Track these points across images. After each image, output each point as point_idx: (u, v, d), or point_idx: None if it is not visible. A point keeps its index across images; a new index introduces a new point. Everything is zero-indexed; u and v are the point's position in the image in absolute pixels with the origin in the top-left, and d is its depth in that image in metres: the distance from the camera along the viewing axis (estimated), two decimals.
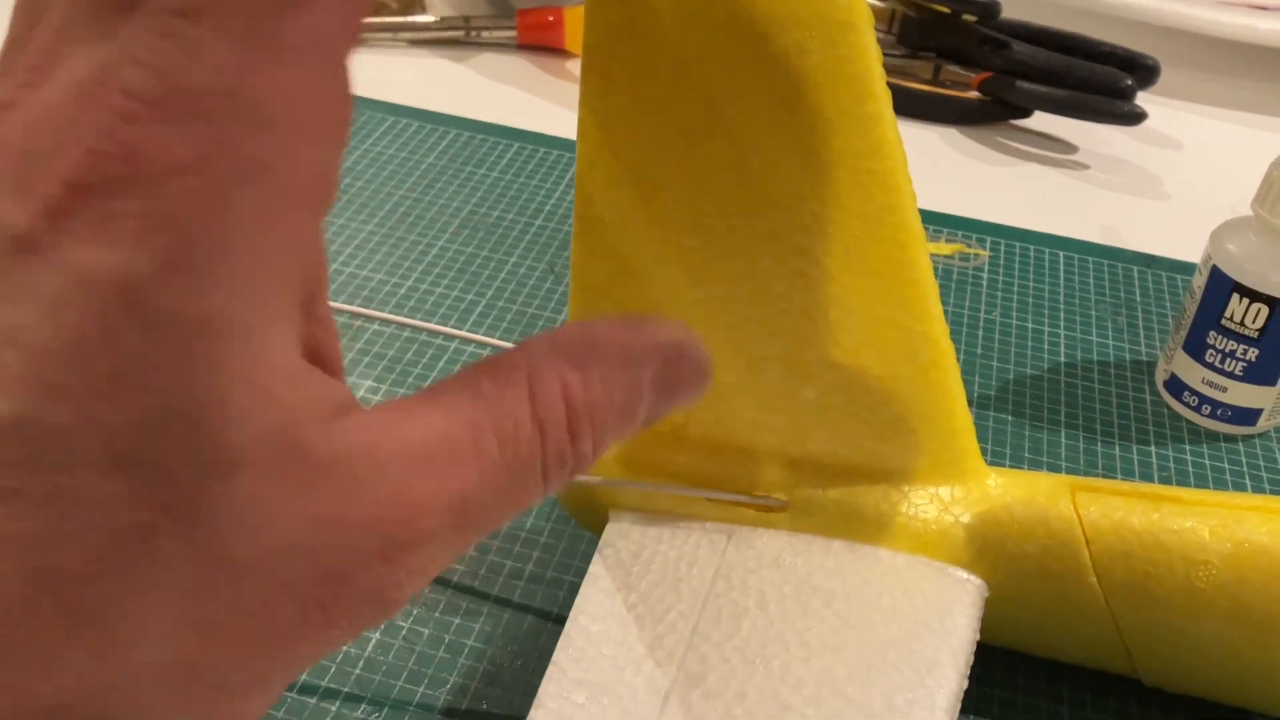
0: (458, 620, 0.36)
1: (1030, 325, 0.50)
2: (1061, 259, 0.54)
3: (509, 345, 0.41)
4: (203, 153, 0.14)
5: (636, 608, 0.31)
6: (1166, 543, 0.32)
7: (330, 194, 0.16)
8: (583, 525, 0.36)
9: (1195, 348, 0.44)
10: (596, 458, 0.20)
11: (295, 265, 0.16)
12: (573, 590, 0.36)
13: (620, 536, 0.34)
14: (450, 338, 0.46)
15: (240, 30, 0.14)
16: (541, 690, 0.28)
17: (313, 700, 0.33)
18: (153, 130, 0.14)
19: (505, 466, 0.18)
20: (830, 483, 0.33)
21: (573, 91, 0.64)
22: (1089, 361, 0.48)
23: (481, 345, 0.46)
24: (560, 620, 0.36)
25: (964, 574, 0.32)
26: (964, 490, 0.33)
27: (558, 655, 0.29)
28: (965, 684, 0.30)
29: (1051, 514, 0.32)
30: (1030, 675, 0.35)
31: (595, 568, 0.32)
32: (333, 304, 0.25)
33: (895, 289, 0.31)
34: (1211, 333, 0.43)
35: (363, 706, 0.33)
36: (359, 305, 0.48)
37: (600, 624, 0.31)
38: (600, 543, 0.33)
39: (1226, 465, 0.43)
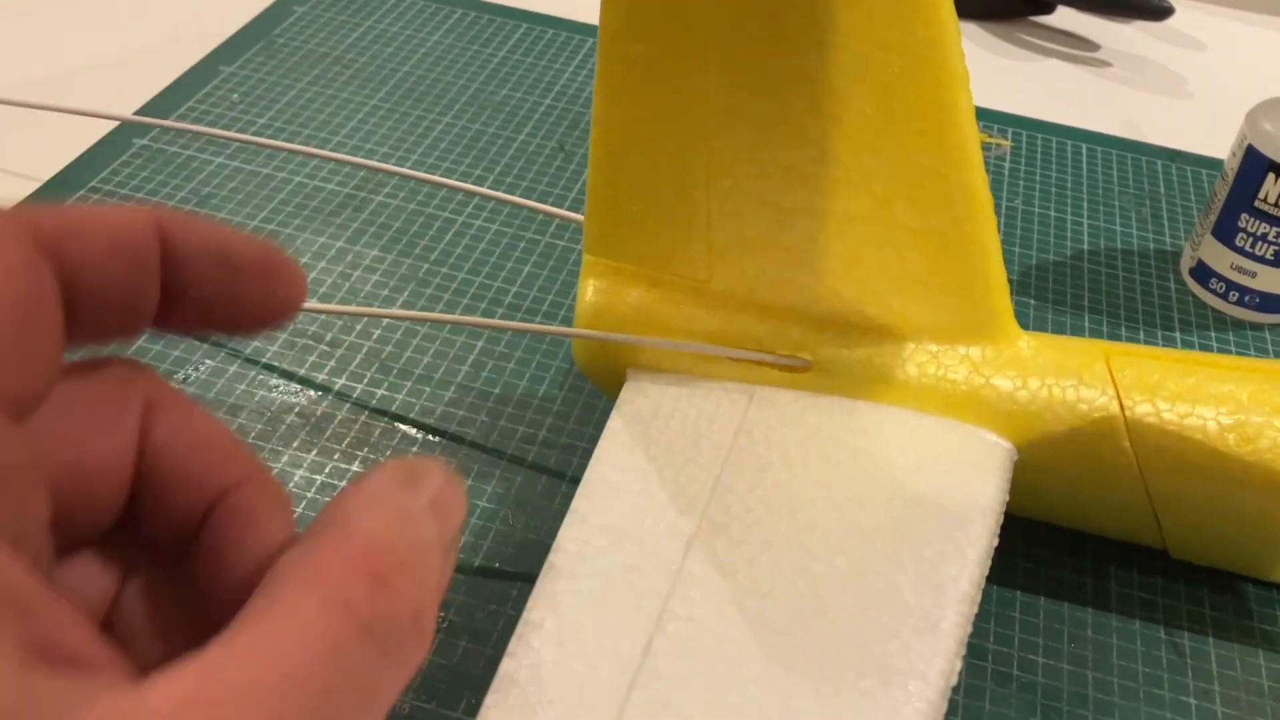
0: (470, 482, 0.35)
1: (1053, 214, 0.49)
2: (1084, 150, 0.53)
3: (521, 200, 0.39)
4: None
5: (657, 460, 0.30)
6: (1202, 407, 0.31)
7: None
8: (597, 386, 0.35)
9: (1225, 232, 0.43)
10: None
11: None
12: (586, 455, 0.35)
13: (639, 395, 0.32)
14: (456, 211, 0.45)
15: None
16: (561, 534, 0.27)
17: None
18: None
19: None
20: (856, 342, 0.32)
21: None
22: (1112, 250, 0.47)
23: (487, 199, 0.45)
24: (574, 483, 0.35)
25: (993, 436, 0.31)
26: (995, 351, 0.32)
27: (577, 502, 0.28)
28: (995, 542, 0.29)
29: (1085, 377, 0.31)
30: (1054, 547, 0.34)
31: (614, 422, 0.31)
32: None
33: (934, 134, 0.29)
34: (1243, 215, 0.42)
35: None
36: (356, 183, 0.46)
37: (620, 474, 0.30)
38: (618, 400, 0.32)
39: (1253, 353, 0.42)
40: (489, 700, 0.24)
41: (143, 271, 0.17)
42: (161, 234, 0.17)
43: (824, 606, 0.26)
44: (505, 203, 0.44)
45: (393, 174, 0.43)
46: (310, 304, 0.34)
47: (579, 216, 0.37)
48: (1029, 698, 0.31)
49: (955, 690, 0.30)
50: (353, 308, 0.33)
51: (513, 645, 0.25)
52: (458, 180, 0.39)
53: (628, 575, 0.27)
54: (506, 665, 0.24)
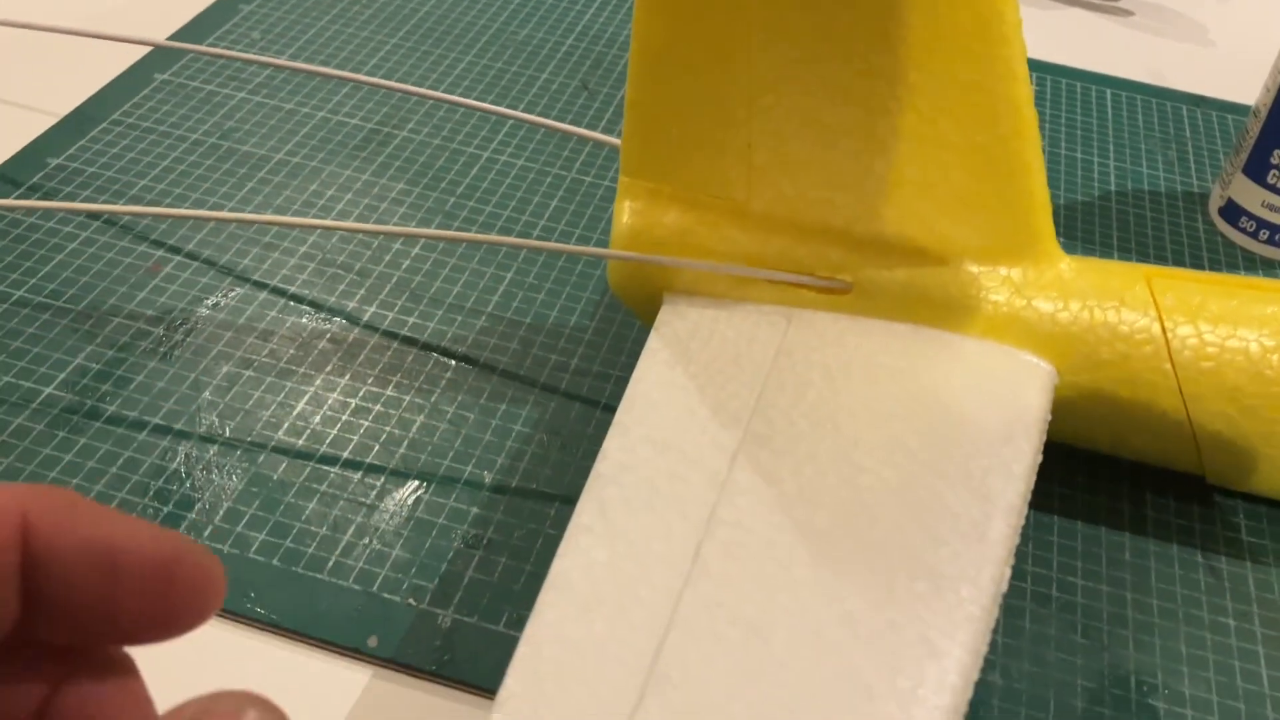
0: (504, 406, 0.35)
1: (1079, 156, 0.48)
2: (1109, 95, 0.52)
3: (554, 123, 0.39)
4: None
5: (697, 377, 0.30)
6: (1245, 329, 0.31)
7: None
8: (632, 310, 0.35)
9: (1257, 169, 0.42)
10: None
11: None
12: (620, 384, 0.35)
13: (677, 317, 0.32)
14: (482, 146, 0.45)
15: None
16: (606, 444, 0.27)
17: (357, 475, 0.32)
18: None
19: None
20: (897, 264, 0.32)
21: None
22: (1139, 192, 0.47)
23: (513, 132, 0.45)
24: (609, 409, 0.35)
25: (1034, 358, 0.31)
26: (1036, 273, 0.32)
27: (620, 415, 0.28)
28: (1039, 459, 0.29)
29: (1127, 299, 0.31)
30: (1090, 474, 0.34)
31: (653, 342, 0.31)
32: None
33: (981, 47, 0.29)
34: (1276, 152, 0.42)
35: (410, 481, 0.32)
36: (380, 119, 0.46)
37: (661, 390, 0.29)
38: (656, 322, 0.32)
39: None
40: (543, 598, 0.23)
41: None
42: (26, 531, 0.14)
43: (872, 515, 0.26)
44: (534, 125, 0.44)
45: (422, 98, 0.42)
46: (344, 223, 0.34)
47: (614, 139, 0.37)
48: (1069, 618, 0.31)
49: None
50: (388, 227, 0.33)
51: (564, 546, 0.25)
52: (488, 105, 0.39)
53: (673, 484, 0.27)
54: (559, 564, 0.24)
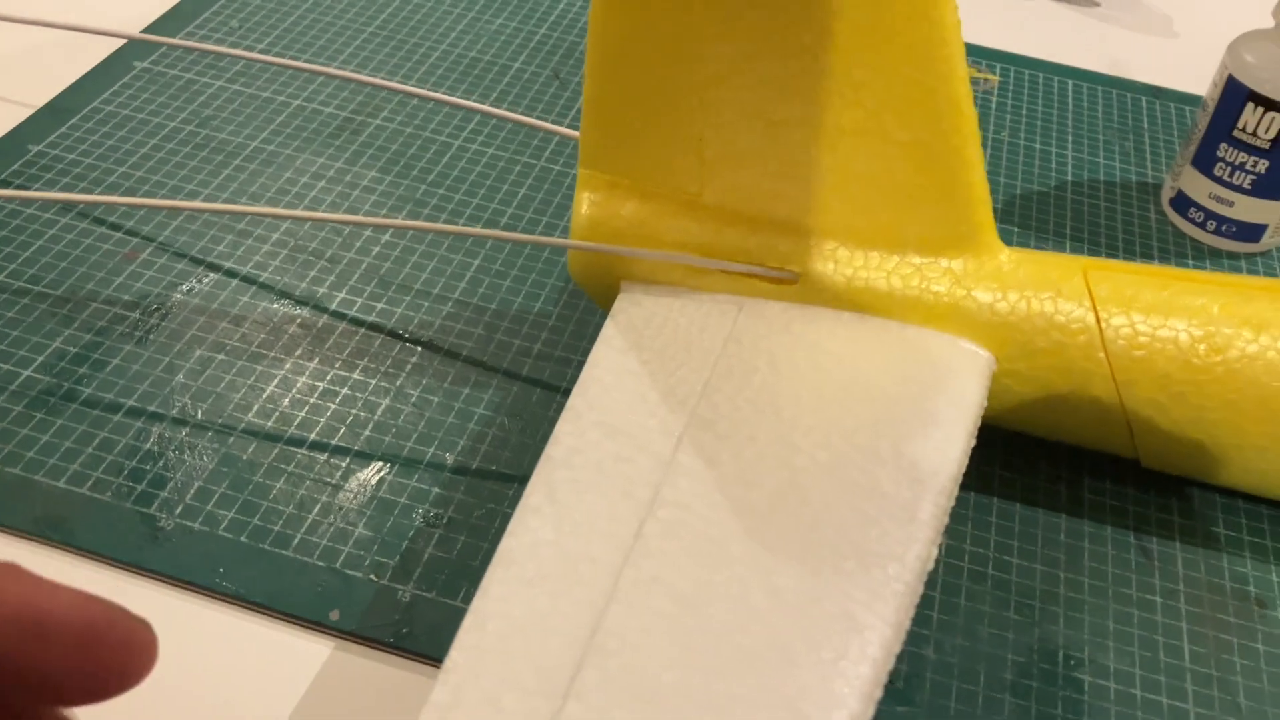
0: (467, 390, 0.36)
1: (1038, 146, 0.49)
2: (1070, 87, 0.53)
3: (518, 116, 0.40)
4: None
5: (649, 363, 0.31)
6: (1175, 319, 0.32)
7: None
8: (591, 298, 0.36)
9: (1205, 161, 0.44)
10: None
11: None
12: (580, 369, 0.36)
13: (632, 305, 0.34)
14: (453, 135, 0.46)
15: None
16: (558, 428, 0.29)
17: (324, 456, 0.33)
18: None
19: None
20: (843, 255, 0.33)
21: None
22: (1095, 181, 0.48)
23: (484, 122, 0.46)
24: (569, 394, 0.36)
25: (974, 346, 0.33)
26: (977, 264, 0.33)
27: (573, 400, 0.30)
28: (972, 443, 0.30)
29: (1063, 289, 0.33)
30: (1030, 458, 0.36)
31: (608, 329, 0.32)
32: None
33: (922, 46, 0.30)
34: (1222, 145, 0.43)
35: (374, 462, 0.33)
36: (354, 108, 0.47)
37: (614, 376, 0.31)
38: (612, 309, 0.33)
39: None
40: (490, 574, 0.25)
41: None
42: None
43: (806, 496, 0.28)
44: (503, 119, 0.45)
45: (393, 91, 0.43)
46: (315, 213, 0.35)
47: (575, 132, 0.38)
48: (1003, 595, 0.32)
49: (932, 586, 0.32)
50: (358, 217, 0.34)
51: (512, 525, 0.26)
52: (459, 101, 0.40)
53: (620, 466, 0.28)
54: (507, 543, 0.25)
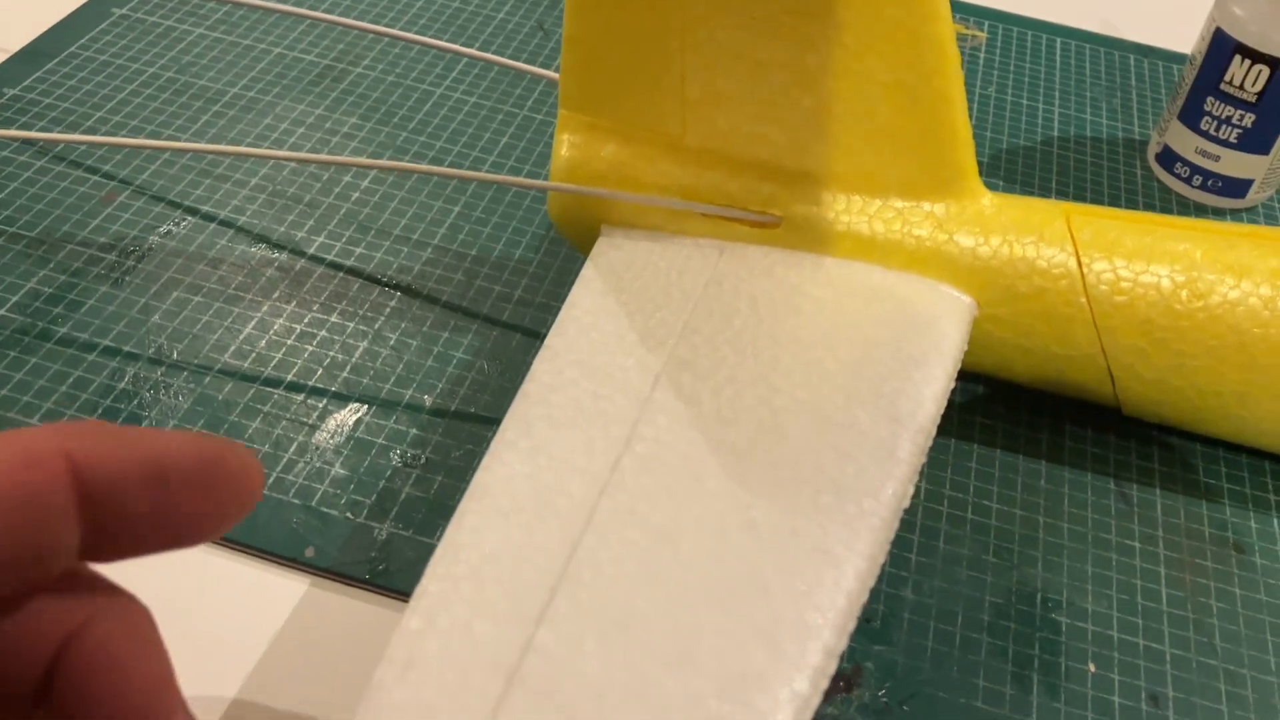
0: (446, 334, 0.36)
1: (1025, 102, 0.49)
2: (1058, 44, 0.53)
3: (499, 59, 0.40)
4: None
5: (628, 305, 0.31)
6: (1157, 264, 0.32)
7: None
8: (571, 242, 0.36)
9: (1191, 115, 0.44)
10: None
11: None
12: None
13: (612, 248, 0.33)
14: (435, 83, 0.45)
15: None
16: (534, 366, 0.28)
17: (300, 397, 0.33)
18: None
19: None
20: (825, 198, 0.33)
21: None
22: (1081, 138, 0.48)
23: (466, 70, 0.45)
24: None
25: (955, 291, 0.32)
26: (959, 208, 0.33)
27: (550, 339, 0.29)
28: (951, 385, 0.30)
29: (1045, 234, 0.32)
30: (1011, 406, 0.36)
31: (587, 271, 0.32)
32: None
33: None
34: (1209, 99, 0.43)
35: (351, 404, 0.33)
36: (335, 55, 0.46)
37: (592, 316, 0.30)
38: (592, 252, 0.33)
39: None
40: (463, 506, 0.25)
41: (42, 521, 0.15)
42: (73, 466, 0.15)
43: (784, 433, 0.27)
44: (484, 61, 0.44)
45: (376, 36, 0.43)
46: (295, 154, 0.35)
47: (556, 75, 0.37)
48: (982, 539, 0.32)
49: (910, 529, 0.32)
50: (339, 158, 0.34)
51: (487, 460, 0.26)
52: (440, 43, 0.40)
53: (598, 403, 0.28)
54: (481, 476, 0.25)
